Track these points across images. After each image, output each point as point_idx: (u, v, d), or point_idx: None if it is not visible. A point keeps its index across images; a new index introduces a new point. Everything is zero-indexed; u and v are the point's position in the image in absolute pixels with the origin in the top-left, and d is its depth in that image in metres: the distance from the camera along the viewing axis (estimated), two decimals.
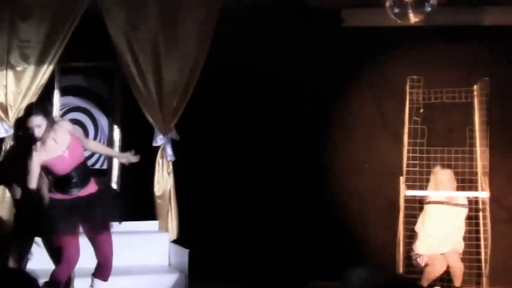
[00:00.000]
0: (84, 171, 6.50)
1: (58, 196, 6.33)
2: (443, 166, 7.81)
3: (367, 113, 8.68)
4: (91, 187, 6.44)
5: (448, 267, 7.72)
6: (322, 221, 8.54)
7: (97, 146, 7.20)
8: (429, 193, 7.73)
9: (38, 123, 6.19)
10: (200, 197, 8.57)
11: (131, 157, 6.82)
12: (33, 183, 6.13)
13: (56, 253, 6.44)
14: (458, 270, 7.69)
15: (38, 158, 6.17)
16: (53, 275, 6.34)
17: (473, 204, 7.83)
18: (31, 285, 3.24)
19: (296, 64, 8.62)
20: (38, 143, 6.21)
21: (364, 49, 8.62)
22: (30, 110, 6.33)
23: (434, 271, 7.68)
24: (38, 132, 6.19)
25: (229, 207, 8.62)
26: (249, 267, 8.36)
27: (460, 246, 7.75)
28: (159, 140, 8.26)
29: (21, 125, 6.42)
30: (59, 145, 6.29)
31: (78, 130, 7.70)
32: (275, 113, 8.70)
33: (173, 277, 7.65)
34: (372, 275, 3.97)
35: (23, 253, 6.72)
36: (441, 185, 7.73)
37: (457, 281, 7.70)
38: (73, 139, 6.35)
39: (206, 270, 7.98)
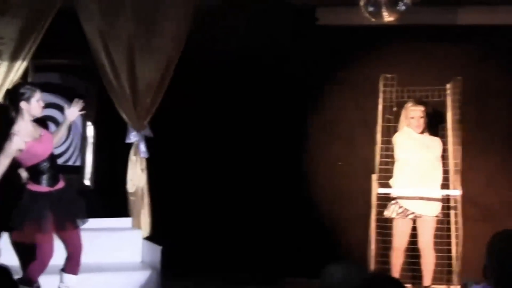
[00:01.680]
0: (56, 163, 6.51)
1: (36, 188, 6.29)
2: (415, 102, 7.83)
3: (344, 111, 8.71)
4: (61, 182, 6.44)
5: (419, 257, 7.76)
6: (298, 217, 8.56)
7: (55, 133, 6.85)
8: (401, 191, 7.74)
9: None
10: (173, 195, 8.57)
11: (73, 108, 6.69)
12: (4, 166, 6.09)
13: (25, 249, 6.40)
14: (429, 255, 7.70)
15: (18, 140, 6.14)
16: (27, 272, 6.31)
17: (445, 202, 7.87)
18: (5, 278, 3.16)
19: (271, 61, 8.63)
20: (17, 126, 6.19)
21: (339, 47, 8.66)
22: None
23: (395, 241, 7.71)
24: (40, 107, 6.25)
25: (203, 205, 8.62)
26: (223, 264, 8.36)
27: (436, 206, 7.72)
28: (133, 137, 8.24)
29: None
30: (35, 129, 6.32)
31: None
32: (250, 110, 8.71)
33: (145, 274, 7.64)
34: (352, 272, 3.97)
35: None
36: (411, 121, 7.78)
37: (427, 278, 7.72)
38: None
39: (178, 267, 7.98)
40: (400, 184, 7.77)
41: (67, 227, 6.41)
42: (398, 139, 7.87)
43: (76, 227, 6.46)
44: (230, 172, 8.67)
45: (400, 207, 7.70)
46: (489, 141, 8.42)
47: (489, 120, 8.43)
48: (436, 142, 7.88)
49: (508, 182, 8.36)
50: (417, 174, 7.70)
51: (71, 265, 6.52)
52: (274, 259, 8.42)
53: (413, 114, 7.80)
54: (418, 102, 7.84)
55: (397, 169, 7.84)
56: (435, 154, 7.81)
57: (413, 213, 7.68)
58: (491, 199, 8.37)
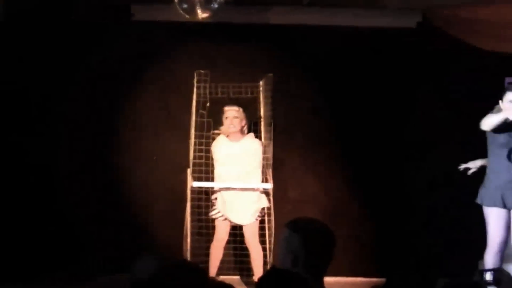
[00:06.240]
0: None
1: None
2: (231, 103, 8.00)
3: (155, 107, 8.76)
4: None
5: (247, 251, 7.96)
6: (112, 215, 8.53)
7: None
8: (216, 185, 7.90)
9: None
10: None
11: None
12: None
13: None
14: (256, 251, 7.91)
15: None
16: None
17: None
18: None
19: (83, 57, 8.57)
20: None
21: (154, 44, 8.70)
22: None
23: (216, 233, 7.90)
24: None
25: None
26: None
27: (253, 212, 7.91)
28: None
29: None
30: None
31: None
32: (58, 104, 8.59)
33: None
34: (161, 263, 4.03)
35: None
36: (226, 122, 7.95)
37: (257, 271, 7.87)
38: None
39: None
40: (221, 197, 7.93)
41: None
42: (215, 151, 8.02)
43: None
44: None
45: (222, 215, 7.90)
46: (296, 138, 8.74)
47: (296, 117, 8.76)
48: (257, 145, 8.01)
49: (311, 177, 8.72)
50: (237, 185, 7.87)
51: None
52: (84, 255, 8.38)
53: (228, 114, 7.93)
54: (234, 102, 8.01)
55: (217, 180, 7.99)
56: (256, 160, 7.97)
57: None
58: (297, 193, 8.71)
